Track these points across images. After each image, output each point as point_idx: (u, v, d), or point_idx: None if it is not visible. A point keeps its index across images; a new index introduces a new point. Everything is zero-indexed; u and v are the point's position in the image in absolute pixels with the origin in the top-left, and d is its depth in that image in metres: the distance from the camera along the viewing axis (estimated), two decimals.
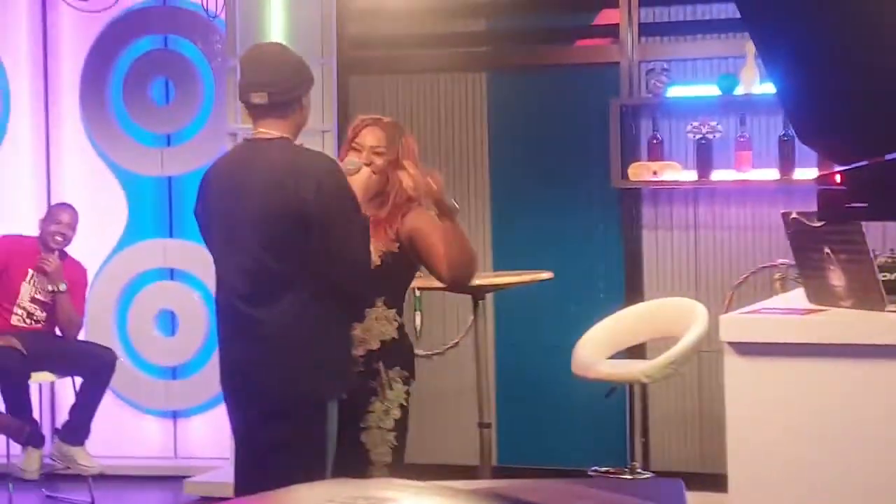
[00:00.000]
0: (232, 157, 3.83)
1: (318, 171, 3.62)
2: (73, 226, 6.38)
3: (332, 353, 3.73)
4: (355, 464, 3.79)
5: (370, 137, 3.95)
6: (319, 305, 3.65)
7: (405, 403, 4.00)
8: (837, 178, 2.26)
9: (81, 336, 6.49)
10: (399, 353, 3.98)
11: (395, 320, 3.96)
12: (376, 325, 3.92)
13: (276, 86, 3.63)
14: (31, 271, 6.29)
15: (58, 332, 6.38)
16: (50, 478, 6.47)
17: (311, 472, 3.55)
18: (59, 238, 6.31)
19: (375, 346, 3.92)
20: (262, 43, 3.84)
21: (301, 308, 3.62)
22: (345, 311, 3.75)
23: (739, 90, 6.03)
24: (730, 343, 3.32)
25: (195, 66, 6.92)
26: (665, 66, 6.20)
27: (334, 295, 3.65)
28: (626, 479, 5.71)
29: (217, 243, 3.74)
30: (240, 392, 3.72)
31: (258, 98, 3.60)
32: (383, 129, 3.98)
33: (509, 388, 6.46)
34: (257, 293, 3.62)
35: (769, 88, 5.85)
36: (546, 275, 5.54)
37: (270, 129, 3.66)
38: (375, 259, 3.85)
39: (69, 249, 6.46)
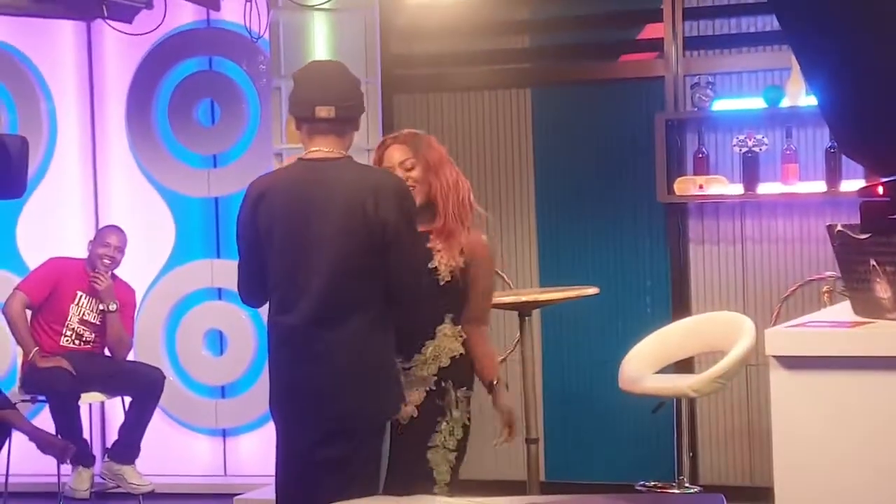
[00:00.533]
0: (294, 176, 3.72)
1: (394, 189, 3.65)
2: (121, 248, 6.44)
3: (394, 372, 3.77)
4: (421, 482, 3.73)
5: (396, 154, 3.96)
6: (385, 326, 3.69)
7: (468, 423, 4.00)
8: (880, 189, 2.24)
9: (130, 356, 6.54)
10: (464, 371, 3.99)
11: (461, 336, 3.98)
12: (445, 342, 3.94)
13: (342, 101, 3.64)
14: (79, 293, 6.35)
15: (107, 352, 6.43)
16: (101, 496, 6.51)
17: (365, 489, 3.57)
18: (107, 261, 6.37)
19: (446, 363, 3.93)
20: (321, 60, 3.88)
21: (369, 329, 3.64)
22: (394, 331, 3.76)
23: (785, 102, 5.99)
24: (776, 356, 3.29)
25: (240, 86, 6.97)
26: (710, 79, 6.18)
27: (396, 315, 3.70)
28: (671, 493, 5.67)
29: (282, 265, 3.67)
30: (303, 413, 3.68)
31: (325, 112, 3.60)
32: (405, 142, 4.00)
33: (556, 403, 6.43)
34: (327, 315, 3.61)
35: (814, 101, 5.82)
36: (592, 290, 5.52)
37: (330, 148, 3.66)
38: (446, 274, 3.89)
39: (118, 271, 6.52)
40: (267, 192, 3.69)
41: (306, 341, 3.63)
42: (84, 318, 6.37)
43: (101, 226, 6.88)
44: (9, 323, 6.30)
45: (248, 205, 3.72)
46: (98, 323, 6.38)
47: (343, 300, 3.61)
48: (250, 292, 3.82)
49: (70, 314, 6.34)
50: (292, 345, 3.67)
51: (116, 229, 6.53)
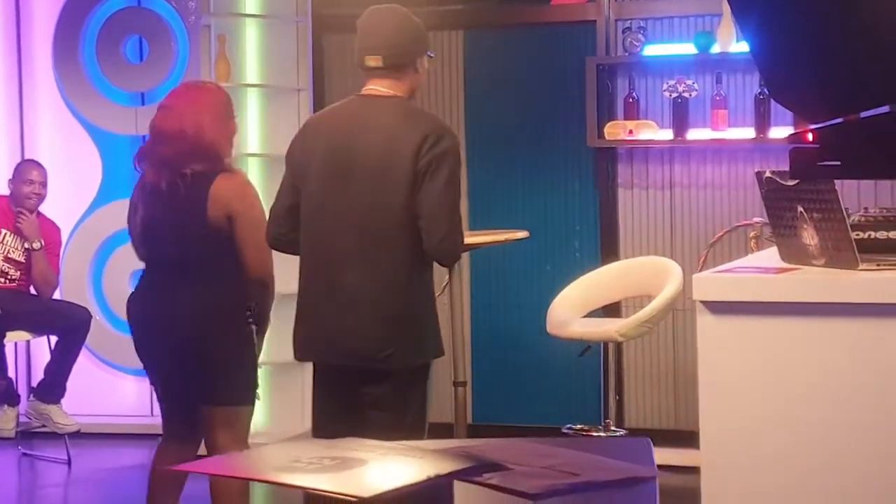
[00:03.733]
0: (344, 110, 3.82)
1: (433, 128, 3.72)
2: (44, 183, 6.35)
3: (432, 313, 3.81)
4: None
5: None
6: (422, 268, 3.74)
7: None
8: (810, 136, 2.25)
9: (57, 295, 6.46)
10: None
11: None
12: None
13: (390, 49, 3.73)
14: (3, 231, 6.26)
15: (33, 291, 6.35)
16: (26, 436, 6.47)
17: (413, 431, 3.65)
18: (33, 198, 6.28)
19: None
20: (381, 7, 3.87)
21: (397, 267, 3.68)
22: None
23: (716, 49, 6.02)
24: (702, 302, 3.32)
25: (169, 24, 6.86)
26: (642, 24, 6.19)
27: (429, 256, 3.73)
28: (597, 436, 5.74)
29: (317, 196, 3.72)
30: (340, 353, 3.73)
31: (373, 61, 3.72)
32: None
33: (484, 347, 6.47)
34: (363, 250, 3.67)
35: (745, 47, 5.85)
36: (521, 234, 5.53)
37: (385, 88, 3.76)
38: None
39: (42, 208, 6.43)
40: (315, 123, 3.87)
41: (339, 277, 3.67)
42: (8, 255, 6.28)
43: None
44: None
45: (297, 137, 3.85)
46: (23, 261, 6.30)
47: (375, 237, 3.66)
48: (276, 230, 3.84)
49: None
50: (325, 280, 3.70)
51: (36, 164, 6.42)
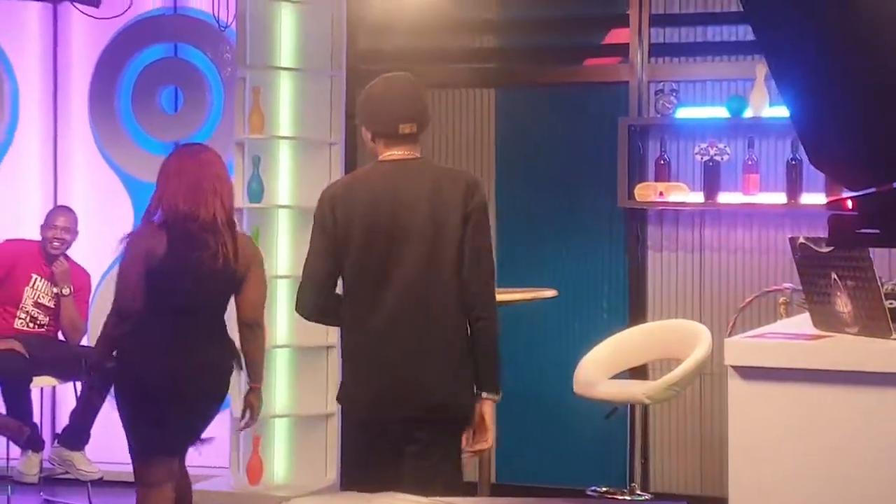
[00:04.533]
0: (375, 176, 3.88)
1: (470, 178, 3.88)
2: (69, 228, 6.37)
3: (470, 364, 3.86)
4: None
5: None
6: (463, 316, 3.81)
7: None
8: (849, 203, 2.25)
9: (84, 342, 6.48)
10: None
11: None
12: None
13: (420, 117, 3.87)
14: (34, 276, 6.29)
15: (61, 336, 6.37)
16: (49, 482, 6.46)
17: (454, 480, 3.83)
18: (56, 243, 6.30)
19: None
20: (397, 76, 3.97)
21: (454, 318, 3.79)
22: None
23: (748, 113, 6.03)
24: (734, 367, 3.30)
25: (204, 75, 6.93)
26: (674, 86, 6.21)
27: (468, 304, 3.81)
28: (625, 499, 5.69)
29: (366, 260, 3.80)
30: (395, 406, 3.79)
31: (408, 129, 3.83)
32: None
33: (510, 405, 6.40)
34: (418, 308, 3.76)
35: (778, 112, 5.86)
36: (550, 293, 5.53)
37: (406, 152, 3.87)
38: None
39: (74, 256, 6.46)
40: (344, 192, 3.86)
41: (400, 333, 3.76)
42: (38, 301, 6.30)
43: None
44: None
45: (325, 207, 3.86)
46: (52, 306, 6.32)
47: (432, 292, 3.76)
48: (313, 299, 3.90)
49: (24, 297, 6.28)
50: (385, 337, 3.77)
51: (64, 210, 6.46)
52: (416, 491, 3.63)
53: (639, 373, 5.98)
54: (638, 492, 5.80)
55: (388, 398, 3.81)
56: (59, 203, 6.94)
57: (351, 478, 3.99)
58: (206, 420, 4.55)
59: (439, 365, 3.78)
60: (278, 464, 6.53)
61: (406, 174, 3.84)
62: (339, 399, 4.01)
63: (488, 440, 3.90)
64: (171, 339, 4.39)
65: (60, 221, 6.36)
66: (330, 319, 4.01)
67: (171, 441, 4.51)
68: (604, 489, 5.89)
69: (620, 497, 5.75)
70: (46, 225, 6.37)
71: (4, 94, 7.06)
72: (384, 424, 3.84)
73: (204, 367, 4.43)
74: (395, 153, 3.87)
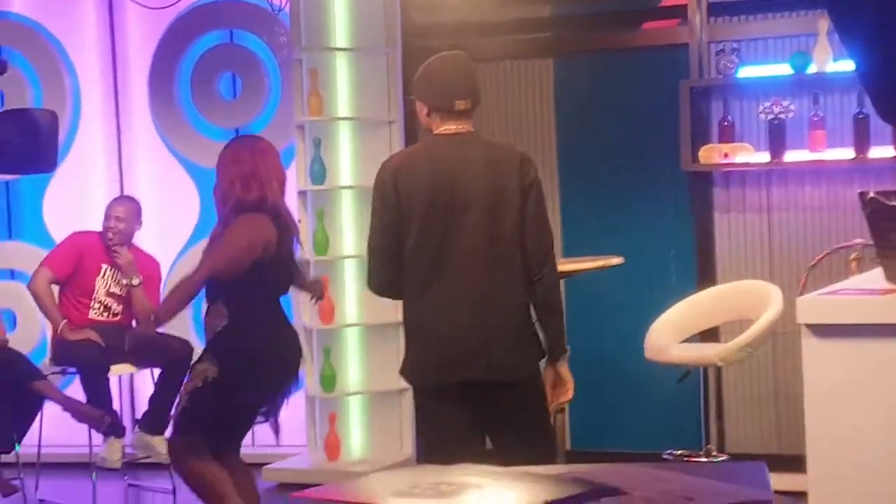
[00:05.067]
0: (433, 149, 4.02)
1: (522, 153, 4.04)
2: (125, 218, 6.35)
3: (534, 328, 4.03)
4: None
5: None
6: (523, 283, 3.95)
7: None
8: None
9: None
10: None
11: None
12: None
13: (474, 93, 4.04)
14: (104, 266, 6.35)
15: (135, 324, 6.45)
16: (132, 467, 6.56)
17: (547, 441, 4.07)
18: (110, 234, 6.32)
19: None
20: (451, 54, 4.10)
21: (515, 285, 3.93)
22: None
23: (812, 68, 5.95)
24: (807, 325, 3.28)
25: (261, 59, 6.97)
26: (735, 45, 6.14)
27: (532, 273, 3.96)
28: (702, 461, 5.67)
29: (427, 233, 3.90)
30: (463, 371, 3.89)
31: (463, 105, 3.98)
32: None
33: (582, 373, 6.37)
34: (485, 275, 3.89)
35: (843, 66, 5.78)
36: (617, 260, 5.51)
37: (460, 126, 4.01)
38: None
39: (141, 243, 6.53)
40: (404, 166, 3.98)
41: (466, 301, 3.88)
42: (110, 290, 6.37)
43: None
44: (35, 298, 6.31)
45: (386, 181, 3.95)
46: (124, 295, 6.39)
47: (493, 260, 3.89)
48: (386, 272, 3.98)
49: (96, 287, 6.35)
50: (452, 306, 3.88)
51: (122, 200, 6.45)
52: (495, 455, 3.87)
53: (710, 335, 5.94)
54: (715, 453, 5.77)
55: (453, 363, 3.90)
56: (124, 193, 7.02)
57: (425, 449, 4.11)
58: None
59: (503, 329, 3.90)
60: (355, 440, 6.59)
61: (462, 147, 3.97)
62: (402, 371, 4.06)
63: (568, 393, 4.08)
64: (282, 322, 4.69)
65: (115, 211, 6.37)
66: (396, 293, 4.06)
67: (251, 423, 4.85)
68: (679, 452, 5.87)
69: (697, 459, 5.73)
70: (104, 216, 6.41)
71: (66, 89, 7.15)
72: (451, 390, 3.91)
73: (299, 350, 4.78)
74: (450, 128, 4.00)
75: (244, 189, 4.56)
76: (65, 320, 6.22)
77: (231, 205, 4.58)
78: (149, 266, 6.46)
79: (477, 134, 4.08)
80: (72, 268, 6.31)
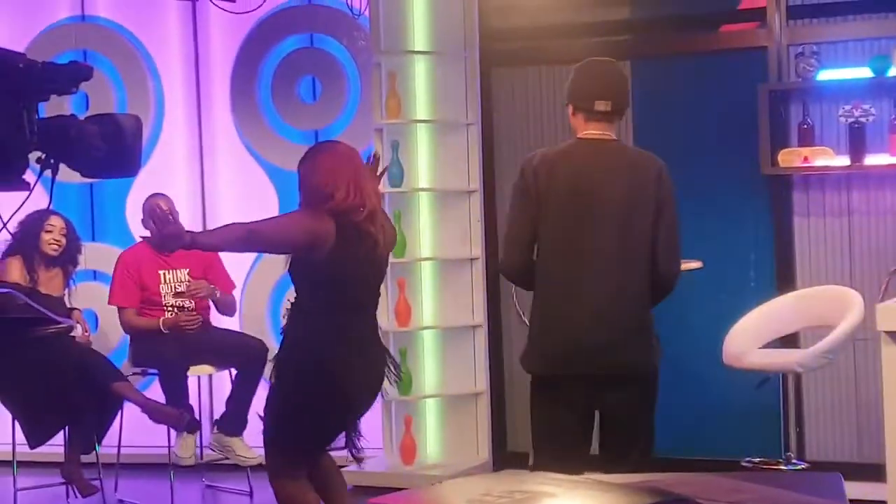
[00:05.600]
0: (576, 152, 4.18)
1: (661, 164, 4.19)
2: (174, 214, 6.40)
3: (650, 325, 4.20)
4: None
5: None
6: (648, 287, 4.12)
7: None
8: None
9: (236, 326, 6.62)
10: None
11: None
12: None
13: (618, 97, 4.19)
14: (160, 272, 6.39)
15: (214, 313, 6.52)
16: (210, 467, 6.65)
17: (649, 436, 4.26)
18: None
19: None
20: (602, 59, 4.31)
21: (640, 287, 4.11)
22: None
23: (892, 72, 5.88)
24: (887, 332, 3.25)
25: (341, 63, 7.03)
26: (814, 49, 6.08)
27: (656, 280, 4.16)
28: (781, 470, 5.62)
29: (562, 232, 4.09)
30: (593, 365, 4.07)
31: (603, 106, 4.13)
32: None
33: (664, 373, 6.39)
34: (614, 273, 4.06)
35: None
36: (695, 264, 5.48)
37: (603, 132, 4.17)
38: None
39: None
40: (547, 164, 4.13)
41: (594, 295, 4.04)
42: (176, 291, 6.43)
43: (206, 202, 7.01)
44: (135, 332, 6.39)
45: (528, 176, 4.13)
46: (202, 296, 6.47)
47: (623, 265, 4.06)
48: (520, 259, 4.17)
49: (163, 294, 6.41)
50: (580, 299, 4.06)
51: (162, 197, 6.39)
52: (606, 449, 4.15)
53: (790, 341, 5.89)
54: (794, 461, 5.72)
55: (581, 356, 4.07)
56: (206, 196, 7.12)
57: (537, 438, 4.22)
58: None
59: (628, 328, 4.10)
60: (431, 444, 6.62)
61: (604, 153, 4.15)
62: (525, 360, 4.24)
63: None
64: (358, 337, 4.41)
65: (146, 210, 6.38)
66: (527, 279, 4.22)
67: (333, 436, 4.60)
68: (758, 460, 5.82)
69: (776, 467, 5.68)
70: (144, 215, 6.41)
71: (150, 93, 7.26)
72: (573, 382, 4.08)
73: (382, 367, 4.55)
74: (593, 132, 4.17)
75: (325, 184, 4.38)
76: (161, 318, 6.30)
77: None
78: (205, 255, 6.42)
79: (619, 142, 4.27)
80: (136, 290, 6.37)
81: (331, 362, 4.32)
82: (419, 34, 6.62)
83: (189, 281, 6.38)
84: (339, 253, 4.28)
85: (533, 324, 4.20)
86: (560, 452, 4.07)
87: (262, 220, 4.36)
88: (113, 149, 2.76)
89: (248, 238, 4.25)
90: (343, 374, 4.34)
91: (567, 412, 4.11)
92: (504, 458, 6.67)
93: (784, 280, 6.15)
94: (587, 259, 4.07)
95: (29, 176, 2.64)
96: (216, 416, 6.68)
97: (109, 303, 6.45)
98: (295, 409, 4.37)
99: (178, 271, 6.43)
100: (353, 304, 4.41)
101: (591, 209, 4.07)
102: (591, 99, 4.14)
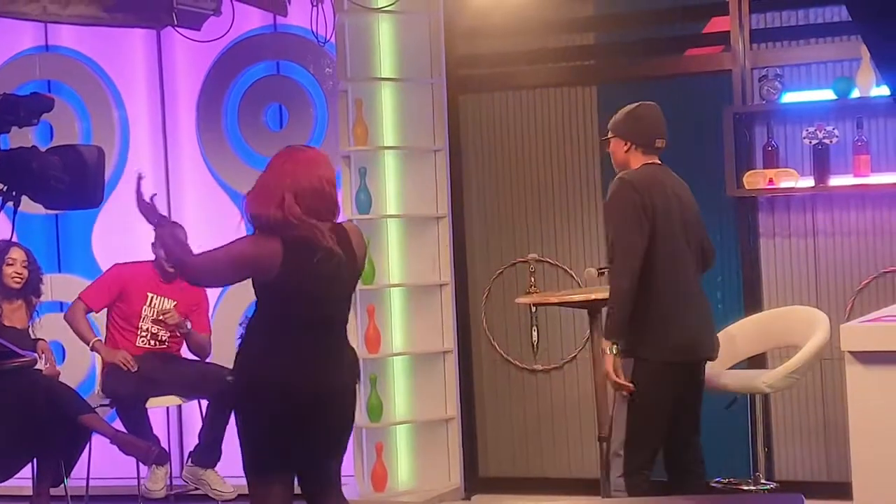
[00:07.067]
0: (656, 176, 4.85)
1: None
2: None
3: None
4: None
5: None
6: None
7: None
8: None
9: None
10: None
11: None
12: None
13: (666, 137, 4.95)
14: (150, 295, 6.41)
15: (183, 352, 6.51)
16: (180, 498, 6.59)
17: None
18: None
19: None
20: (648, 103, 5.03)
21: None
22: None
23: (856, 93, 5.94)
24: (851, 352, 3.27)
25: (307, 91, 7.02)
26: (778, 71, 6.13)
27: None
28: (748, 490, 5.63)
29: (668, 247, 4.74)
30: (699, 350, 4.85)
31: (661, 143, 4.92)
32: None
33: None
34: (698, 273, 4.90)
35: (886, 90, 5.75)
36: None
37: (658, 161, 4.93)
38: None
39: None
40: (645, 184, 4.75)
41: (691, 293, 4.82)
42: (158, 318, 6.42)
43: None
44: (71, 328, 6.41)
45: (638, 194, 4.72)
46: (172, 323, 6.45)
47: (696, 267, 4.89)
48: (639, 266, 4.67)
49: (143, 315, 6.42)
50: (686, 298, 4.78)
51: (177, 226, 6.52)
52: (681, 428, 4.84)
53: (757, 362, 5.91)
54: (763, 480, 5.73)
55: (696, 344, 4.81)
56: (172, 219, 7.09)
57: (642, 417, 4.74)
58: (340, 440, 4.37)
59: (712, 321, 4.95)
60: (402, 470, 6.60)
61: (667, 176, 4.89)
62: (643, 349, 4.71)
63: None
64: (310, 354, 4.16)
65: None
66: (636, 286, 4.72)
67: (300, 460, 4.27)
68: (727, 480, 5.83)
69: (745, 487, 5.69)
70: (155, 244, 6.45)
71: (115, 123, 7.24)
72: (689, 366, 4.81)
73: (345, 386, 4.29)
74: (652, 160, 4.89)
75: (253, 204, 4.24)
76: (97, 338, 6.30)
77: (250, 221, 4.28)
78: (197, 295, 6.51)
79: (666, 166, 4.95)
80: (108, 299, 6.39)
81: (281, 378, 4.11)
82: (385, 61, 6.64)
83: (172, 313, 6.37)
84: (288, 270, 4.09)
85: (651, 320, 4.70)
86: (662, 433, 4.76)
87: (202, 254, 4.25)
88: (75, 180, 2.77)
89: (187, 275, 4.38)
90: (295, 388, 4.11)
91: (673, 394, 4.75)
92: (475, 483, 6.66)
93: (751, 301, 6.18)
94: (688, 264, 4.81)
95: None
96: (186, 447, 6.63)
97: (80, 294, 6.43)
98: (258, 429, 4.19)
99: (165, 300, 6.43)
100: (306, 321, 4.16)
101: (679, 222, 4.79)
102: (652, 138, 4.90)
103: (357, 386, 4.39)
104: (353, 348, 4.40)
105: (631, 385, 4.69)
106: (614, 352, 4.69)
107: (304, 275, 4.11)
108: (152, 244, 6.47)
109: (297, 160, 4.28)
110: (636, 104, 4.99)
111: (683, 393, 4.82)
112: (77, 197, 2.82)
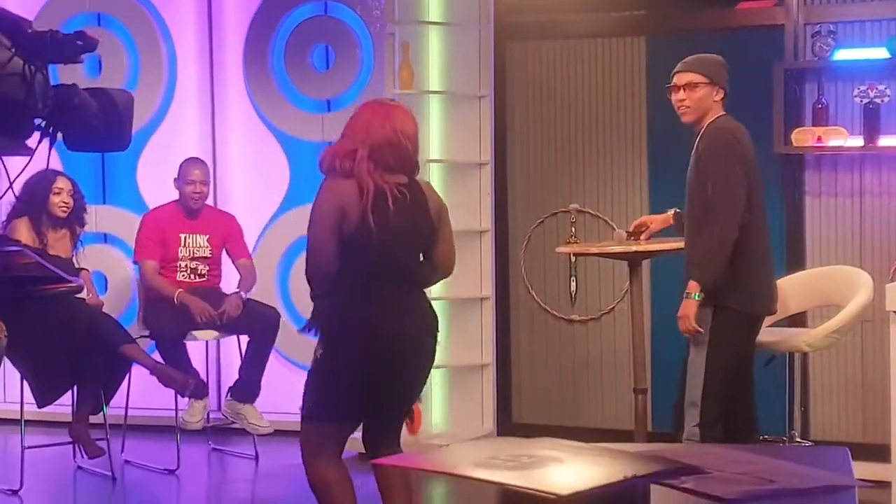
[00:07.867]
0: (739, 126, 5.02)
1: None
2: (205, 181, 6.53)
3: None
4: None
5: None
6: None
7: None
8: None
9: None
10: None
11: None
12: None
13: None
14: (181, 235, 6.46)
15: (222, 286, 6.56)
16: (217, 431, 6.67)
17: None
18: (195, 196, 6.46)
19: None
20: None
21: None
22: None
23: None
24: (895, 312, 3.25)
25: (354, 32, 7.00)
26: (832, 28, 6.05)
27: None
28: (785, 447, 5.63)
29: (759, 191, 4.95)
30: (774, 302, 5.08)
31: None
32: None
33: (665, 353, 6.39)
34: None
35: None
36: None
37: None
38: None
39: (233, 211, 6.63)
40: (744, 137, 4.94)
41: (772, 253, 5.08)
42: (195, 255, 6.48)
43: (218, 167, 7.01)
44: (154, 289, 6.43)
45: (742, 147, 4.91)
46: (209, 255, 6.51)
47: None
48: (740, 219, 4.79)
49: (180, 256, 6.47)
50: (769, 253, 5.01)
51: (197, 162, 6.57)
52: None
53: (797, 321, 5.89)
54: (798, 439, 5.73)
55: (773, 298, 5.00)
56: (217, 163, 7.11)
57: (724, 363, 4.86)
58: (413, 393, 4.46)
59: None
60: (436, 414, 6.63)
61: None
62: (734, 296, 4.80)
63: None
64: (384, 308, 4.17)
65: (197, 175, 6.50)
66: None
67: (365, 406, 4.29)
68: (763, 437, 5.82)
69: (781, 445, 5.69)
70: (184, 179, 6.50)
71: (162, 57, 7.25)
72: (762, 319, 5.01)
73: (420, 336, 4.31)
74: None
75: (329, 155, 4.26)
76: (179, 289, 6.34)
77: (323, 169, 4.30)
78: (228, 224, 6.57)
79: None
80: (159, 246, 6.45)
81: (358, 327, 4.15)
82: (433, 5, 6.61)
83: (208, 247, 6.44)
84: (361, 220, 4.10)
85: (743, 271, 4.79)
86: (741, 383, 4.94)
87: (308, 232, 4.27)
88: (106, 123, 2.79)
89: (312, 275, 4.29)
90: (371, 337, 4.14)
91: (753, 343, 4.97)
92: (508, 429, 6.69)
93: (794, 259, 6.14)
94: (760, 217, 4.90)
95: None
96: (223, 382, 6.70)
97: (135, 260, 6.54)
98: (325, 376, 4.20)
99: (198, 236, 6.49)
100: (379, 273, 4.16)
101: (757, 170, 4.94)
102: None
103: (435, 343, 4.36)
104: (431, 305, 4.38)
105: (701, 329, 4.78)
106: (698, 298, 4.73)
107: (375, 226, 4.09)
108: (174, 179, 6.50)
109: (374, 112, 4.27)
110: (711, 55, 5.09)
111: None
112: (106, 139, 2.84)
